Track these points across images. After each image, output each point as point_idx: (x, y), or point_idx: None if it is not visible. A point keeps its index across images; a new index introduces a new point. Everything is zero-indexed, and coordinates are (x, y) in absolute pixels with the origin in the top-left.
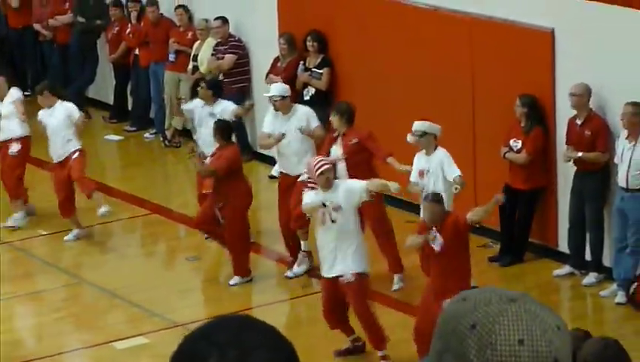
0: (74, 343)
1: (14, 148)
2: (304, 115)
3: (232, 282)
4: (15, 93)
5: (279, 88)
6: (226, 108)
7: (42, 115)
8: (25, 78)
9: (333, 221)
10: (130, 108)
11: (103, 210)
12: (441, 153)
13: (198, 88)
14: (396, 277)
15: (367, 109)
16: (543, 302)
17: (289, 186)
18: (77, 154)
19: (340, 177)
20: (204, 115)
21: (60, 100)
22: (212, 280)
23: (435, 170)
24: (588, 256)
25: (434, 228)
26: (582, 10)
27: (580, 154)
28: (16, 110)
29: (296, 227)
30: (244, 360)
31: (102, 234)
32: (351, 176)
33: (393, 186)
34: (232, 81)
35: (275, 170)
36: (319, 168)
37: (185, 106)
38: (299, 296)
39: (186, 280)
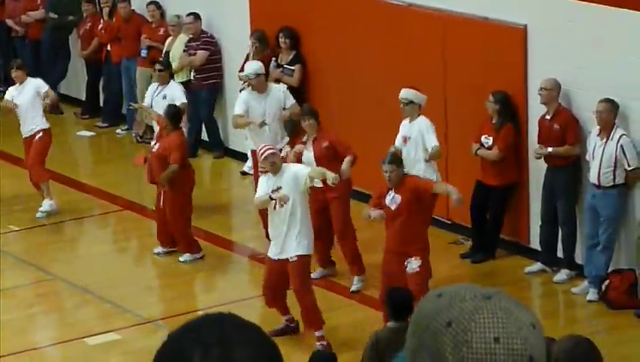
0: (45, 339)
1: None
2: (279, 92)
3: (182, 259)
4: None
5: (253, 66)
6: (172, 92)
7: (12, 91)
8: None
9: (282, 205)
10: (102, 104)
11: (46, 205)
12: (422, 121)
13: (154, 71)
14: (356, 278)
15: (339, 106)
16: (515, 299)
17: None
18: (40, 135)
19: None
20: (155, 96)
21: (29, 78)
22: (184, 277)
23: (415, 138)
24: (559, 253)
25: (392, 190)
26: (555, 6)
27: (550, 149)
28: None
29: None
30: (228, 358)
31: (74, 229)
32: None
33: (331, 176)
34: (204, 77)
35: (246, 166)
36: (263, 153)
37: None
38: None
39: (157, 277)
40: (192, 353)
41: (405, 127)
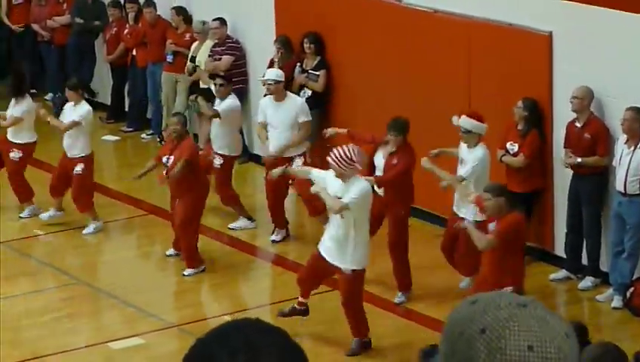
0: (70, 343)
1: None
2: (295, 107)
3: (186, 273)
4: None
5: (273, 73)
6: (228, 107)
7: (66, 109)
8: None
9: (342, 215)
10: (127, 108)
11: (91, 227)
12: (478, 152)
13: (215, 85)
14: (400, 293)
15: (363, 111)
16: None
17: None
18: (80, 167)
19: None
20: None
21: (84, 101)
22: (207, 281)
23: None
24: (584, 260)
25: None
26: (580, 13)
27: (579, 160)
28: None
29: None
30: None
31: (98, 234)
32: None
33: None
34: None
35: None
36: (349, 160)
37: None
38: (292, 298)
39: (181, 281)
40: (219, 358)
41: (464, 150)
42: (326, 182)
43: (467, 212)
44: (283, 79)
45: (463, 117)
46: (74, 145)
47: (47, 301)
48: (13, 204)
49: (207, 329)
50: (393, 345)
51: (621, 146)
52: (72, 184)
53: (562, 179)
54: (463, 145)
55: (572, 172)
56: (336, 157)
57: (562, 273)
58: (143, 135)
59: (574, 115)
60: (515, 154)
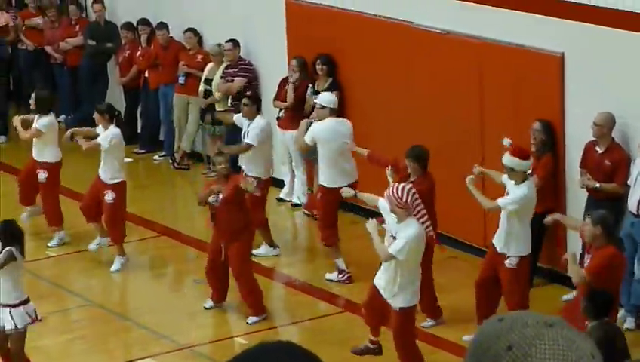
0: None
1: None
2: (345, 129)
3: (249, 321)
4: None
5: (325, 98)
6: (253, 126)
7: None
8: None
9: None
10: (139, 130)
11: (117, 263)
12: (521, 188)
13: (242, 105)
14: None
15: (375, 133)
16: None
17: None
18: (111, 195)
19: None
20: (246, 130)
21: (113, 125)
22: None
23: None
24: None
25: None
26: (592, 34)
27: (598, 185)
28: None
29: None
30: None
31: (111, 255)
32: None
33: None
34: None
35: (282, 193)
36: (400, 200)
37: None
38: (308, 318)
39: (194, 303)
40: None
41: (509, 182)
42: (386, 214)
43: (513, 249)
44: (334, 106)
45: (507, 156)
46: (108, 170)
47: (60, 322)
48: (27, 225)
49: (219, 351)
50: None
51: (638, 167)
52: (104, 212)
53: (575, 200)
54: (509, 181)
55: (586, 194)
56: (390, 195)
57: (575, 294)
58: (156, 157)
59: (586, 137)
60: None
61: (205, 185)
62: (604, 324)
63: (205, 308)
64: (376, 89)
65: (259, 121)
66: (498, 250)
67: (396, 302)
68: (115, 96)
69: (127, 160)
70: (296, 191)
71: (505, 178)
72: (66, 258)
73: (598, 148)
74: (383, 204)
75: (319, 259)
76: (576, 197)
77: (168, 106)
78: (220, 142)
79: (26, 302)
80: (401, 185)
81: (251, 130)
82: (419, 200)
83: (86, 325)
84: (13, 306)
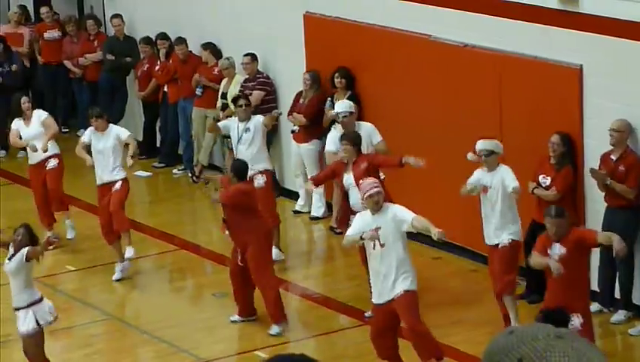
0: None
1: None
2: (367, 131)
3: (272, 332)
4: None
5: (345, 105)
6: (257, 121)
7: (93, 137)
8: (55, 114)
9: (382, 245)
10: (158, 144)
11: (128, 252)
12: (503, 169)
13: (238, 107)
14: None
15: (394, 145)
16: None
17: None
18: (120, 183)
19: (355, 203)
20: (241, 132)
21: (111, 125)
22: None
23: (496, 186)
24: (617, 294)
25: (558, 243)
26: (610, 46)
27: (609, 181)
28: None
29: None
30: None
31: (130, 269)
32: None
33: (436, 232)
34: None
35: (298, 205)
36: (368, 191)
37: (220, 123)
38: (324, 333)
39: (213, 317)
40: None
41: (485, 176)
42: (360, 226)
43: (505, 235)
44: (355, 110)
45: (481, 141)
46: (112, 170)
47: (79, 336)
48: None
49: None
50: None
51: None
52: (112, 199)
53: (593, 212)
54: (482, 171)
55: (605, 206)
56: (370, 184)
57: (595, 306)
58: (175, 170)
59: (605, 149)
60: (547, 188)
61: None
62: None
63: (231, 322)
64: (395, 102)
65: (256, 118)
66: (496, 243)
67: (400, 287)
68: (134, 110)
69: (146, 173)
70: (314, 204)
71: (479, 176)
72: (85, 272)
73: (612, 156)
74: (355, 231)
75: (337, 271)
76: (595, 210)
77: (187, 120)
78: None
79: (36, 302)
80: (366, 181)
81: (255, 128)
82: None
83: (105, 339)
84: (23, 308)
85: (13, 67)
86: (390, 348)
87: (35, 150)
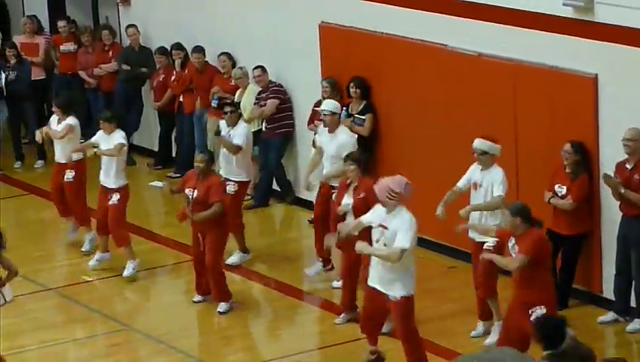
0: None
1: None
2: (343, 142)
3: (222, 309)
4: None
5: (330, 104)
6: (240, 131)
7: (100, 139)
8: None
9: (385, 245)
10: (174, 154)
11: (129, 268)
12: (495, 171)
13: (225, 113)
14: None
15: (409, 155)
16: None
17: (328, 194)
18: (117, 197)
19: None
20: (227, 137)
21: (118, 129)
22: (255, 327)
23: (486, 187)
24: (633, 303)
25: (513, 239)
26: (625, 55)
27: (622, 190)
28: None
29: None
30: None
31: (146, 280)
32: None
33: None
34: (275, 127)
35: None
36: (383, 200)
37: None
38: (342, 342)
39: (229, 327)
40: None
41: (477, 173)
42: (373, 215)
43: (492, 238)
44: (339, 112)
45: (478, 139)
46: (111, 175)
47: (96, 347)
48: (62, 249)
49: None
50: None
51: None
52: (109, 215)
53: (609, 221)
54: (476, 169)
55: (621, 215)
56: (383, 186)
57: (610, 315)
58: None
59: (621, 158)
60: (563, 197)
61: (182, 182)
62: (569, 351)
63: (194, 302)
64: (410, 111)
65: (243, 125)
66: (477, 240)
67: (396, 292)
68: (150, 121)
69: (159, 183)
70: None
71: (472, 172)
72: (101, 282)
73: (628, 166)
74: (367, 218)
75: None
76: (611, 218)
77: (203, 130)
78: (255, 163)
79: None
80: (395, 177)
81: (237, 134)
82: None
83: (122, 349)
84: None
85: (10, 75)
86: (375, 327)
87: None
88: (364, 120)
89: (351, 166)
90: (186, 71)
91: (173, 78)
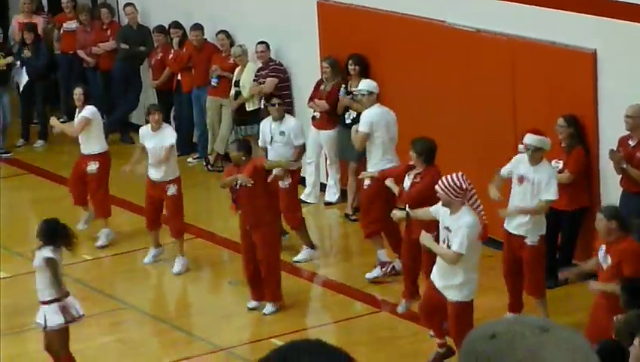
0: None
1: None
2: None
3: (267, 311)
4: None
5: (369, 84)
6: (292, 125)
7: (145, 133)
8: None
9: (448, 247)
10: None
11: (178, 263)
12: (546, 168)
13: (271, 105)
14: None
15: (408, 132)
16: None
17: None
18: (173, 188)
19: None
20: (275, 133)
21: (164, 123)
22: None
23: (533, 183)
24: None
25: (604, 246)
26: (624, 30)
27: (625, 165)
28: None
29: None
30: None
31: (144, 257)
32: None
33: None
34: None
35: (304, 194)
36: (441, 196)
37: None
38: (342, 319)
39: (229, 305)
40: None
41: (524, 166)
42: (439, 213)
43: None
44: (377, 91)
45: (529, 135)
46: (163, 170)
47: (97, 326)
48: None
49: (255, 352)
50: None
51: None
52: (167, 208)
53: (608, 196)
54: (523, 161)
55: (620, 190)
56: (445, 186)
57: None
58: (189, 159)
59: (621, 133)
60: (560, 171)
61: (226, 173)
62: None
63: (249, 309)
64: (409, 88)
65: (292, 119)
66: (517, 233)
67: (453, 296)
68: (148, 99)
69: None
70: (329, 190)
71: (518, 164)
72: (103, 261)
73: (630, 142)
74: (435, 209)
75: (354, 257)
76: (610, 193)
77: (201, 109)
78: (253, 142)
79: (60, 299)
80: (455, 174)
81: (293, 130)
82: (474, 189)
83: (123, 328)
84: (46, 303)
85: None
86: (436, 320)
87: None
88: (364, 94)
89: (414, 155)
90: (184, 49)
91: (171, 56)
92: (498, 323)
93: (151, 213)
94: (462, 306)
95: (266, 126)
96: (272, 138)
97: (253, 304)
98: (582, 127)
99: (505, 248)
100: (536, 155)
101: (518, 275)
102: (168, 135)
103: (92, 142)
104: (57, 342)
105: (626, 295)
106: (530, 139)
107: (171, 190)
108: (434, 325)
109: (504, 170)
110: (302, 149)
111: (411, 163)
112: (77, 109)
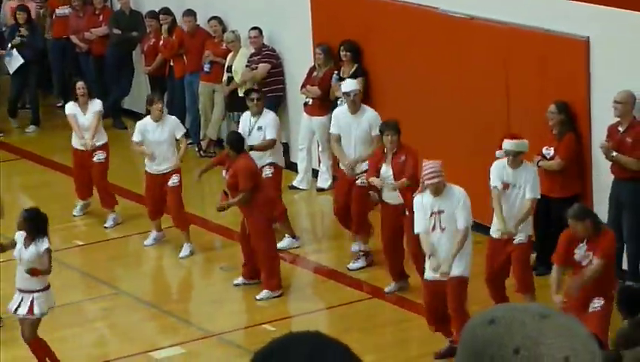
0: (111, 353)
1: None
2: (370, 119)
3: (259, 297)
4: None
5: (354, 83)
6: (269, 119)
7: (147, 125)
8: (64, 88)
9: (442, 229)
10: None
11: (186, 249)
12: (529, 170)
13: (251, 100)
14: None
15: (400, 118)
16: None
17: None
18: (175, 179)
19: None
20: (253, 127)
21: (167, 115)
22: (248, 290)
23: (519, 186)
24: (625, 265)
25: (583, 244)
26: (618, 18)
27: (614, 153)
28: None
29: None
30: None
31: (138, 244)
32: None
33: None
34: (266, 91)
35: (296, 181)
36: (429, 180)
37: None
38: (334, 305)
39: (221, 290)
40: None
41: (506, 173)
42: (422, 204)
43: (522, 233)
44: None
45: (507, 141)
46: (165, 161)
47: (89, 311)
48: (54, 214)
49: (247, 338)
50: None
51: None
52: (169, 199)
53: (600, 183)
54: (503, 167)
55: (612, 177)
56: (433, 174)
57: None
58: None
59: (613, 121)
60: (551, 158)
61: (216, 160)
62: None
63: (235, 285)
64: (402, 75)
65: (270, 114)
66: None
67: (455, 271)
68: (141, 85)
69: None
70: (321, 176)
71: (501, 172)
72: (94, 247)
73: (620, 128)
74: (418, 203)
75: (346, 244)
76: (602, 180)
77: (194, 95)
78: None
79: (40, 290)
80: (426, 160)
81: (267, 125)
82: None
83: (114, 313)
84: (38, 291)
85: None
86: (443, 319)
87: (85, 147)
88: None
89: (391, 136)
90: (174, 36)
91: (161, 43)
92: (498, 309)
93: (154, 205)
94: (463, 280)
95: (246, 119)
96: (249, 132)
97: (238, 280)
98: (573, 113)
99: (488, 254)
100: (517, 159)
101: (501, 281)
102: (175, 125)
103: (99, 134)
104: (34, 328)
105: (623, 305)
106: (509, 145)
107: (174, 180)
108: (441, 327)
109: (495, 182)
110: (270, 143)
111: (378, 151)
112: (76, 101)
